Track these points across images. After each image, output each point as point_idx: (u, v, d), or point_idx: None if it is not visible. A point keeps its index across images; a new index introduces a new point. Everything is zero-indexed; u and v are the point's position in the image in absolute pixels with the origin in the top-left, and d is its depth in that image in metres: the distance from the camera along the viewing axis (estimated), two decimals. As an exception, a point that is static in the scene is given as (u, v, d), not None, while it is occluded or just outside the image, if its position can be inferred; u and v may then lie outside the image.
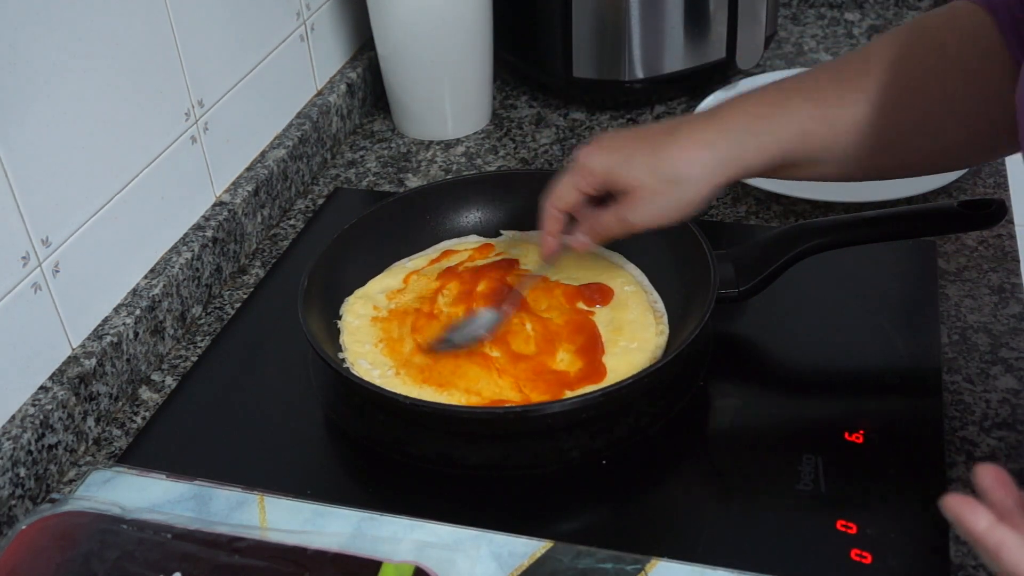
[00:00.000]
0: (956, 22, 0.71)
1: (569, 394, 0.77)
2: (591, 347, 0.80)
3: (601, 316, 0.84)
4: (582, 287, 0.86)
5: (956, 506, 0.50)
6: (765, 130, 0.72)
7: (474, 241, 0.94)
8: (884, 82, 0.71)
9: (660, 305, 0.86)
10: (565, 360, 0.80)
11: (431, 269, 0.90)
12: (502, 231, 0.95)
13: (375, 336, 0.84)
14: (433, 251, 0.93)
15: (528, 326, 0.82)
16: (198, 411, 0.83)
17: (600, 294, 0.86)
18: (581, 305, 0.85)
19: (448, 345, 0.80)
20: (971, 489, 0.71)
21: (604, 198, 0.77)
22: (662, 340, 0.82)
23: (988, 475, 0.51)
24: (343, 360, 0.82)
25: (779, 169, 0.75)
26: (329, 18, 1.18)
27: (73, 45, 0.78)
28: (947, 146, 0.73)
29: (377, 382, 0.78)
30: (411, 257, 0.93)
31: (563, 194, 0.77)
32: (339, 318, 0.86)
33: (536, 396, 0.77)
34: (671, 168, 0.73)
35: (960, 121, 0.71)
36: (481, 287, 0.85)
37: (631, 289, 0.87)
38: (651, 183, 0.73)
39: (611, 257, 0.91)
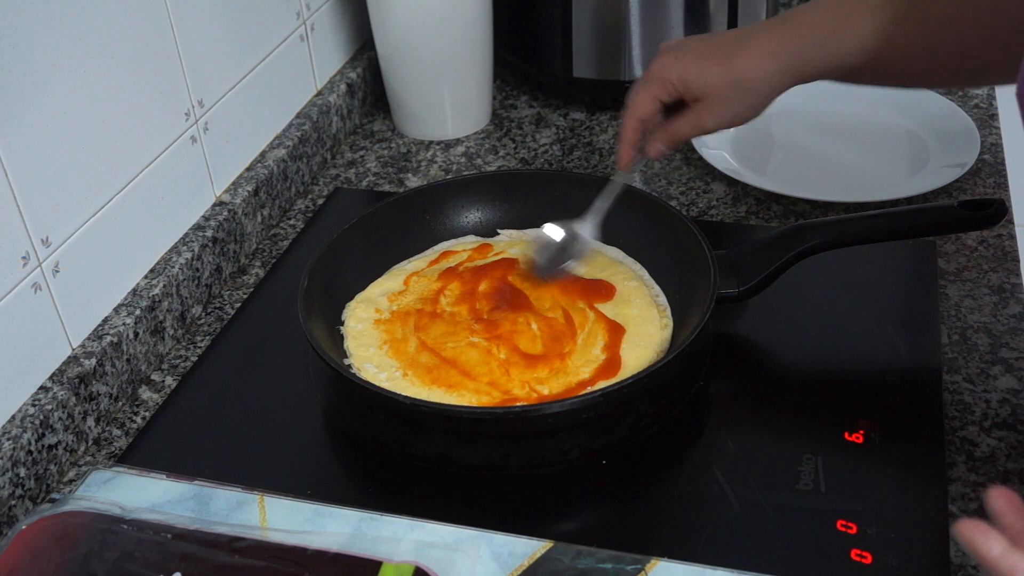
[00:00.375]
0: None
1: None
2: (616, 339, 0.81)
3: (605, 312, 0.84)
4: (583, 284, 0.86)
5: (969, 531, 0.50)
6: (828, 44, 0.76)
7: (472, 241, 0.94)
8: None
9: (663, 299, 0.86)
10: (597, 352, 0.80)
11: (431, 270, 0.90)
12: (499, 230, 0.95)
13: (379, 339, 0.83)
14: (432, 252, 0.93)
15: (534, 326, 0.82)
16: (198, 411, 0.83)
17: (602, 290, 0.86)
18: (581, 305, 0.85)
19: (543, 272, 0.86)
20: (970, 490, 0.71)
21: (674, 106, 0.82)
22: (667, 333, 0.83)
23: (1000, 499, 0.52)
24: (349, 366, 0.81)
25: (844, 77, 0.78)
26: (329, 18, 1.18)
27: (73, 45, 0.78)
28: (996, 53, 0.74)
29: (386, 385, 0.78)
30: (410, 259, 0.93)
31: (643, 103, 0.82)
32: (342, 324, 0.86)
33: (549, 391, 0.77)
34: (741, 76, 0.78)
35: (1008, 23, 0.72)
36: (483, 287, 0.85)
37: (633, 284, 0.87)
38: (723, 91, 0.79)
39: (610, 252, 0.91)
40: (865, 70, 0.77)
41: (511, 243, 0.93)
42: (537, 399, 0.77)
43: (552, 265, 0.86)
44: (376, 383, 0.78)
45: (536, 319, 0.82)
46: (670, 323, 0.84)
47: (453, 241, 0.95)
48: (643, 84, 0.82)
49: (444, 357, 0.80)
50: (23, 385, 0.76)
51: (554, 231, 0.87)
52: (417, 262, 0.92)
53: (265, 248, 1.03)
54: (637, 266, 0.90)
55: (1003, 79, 0.75)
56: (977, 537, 0.50)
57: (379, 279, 0.90)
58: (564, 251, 0.86)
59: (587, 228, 0.86)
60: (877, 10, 0.75)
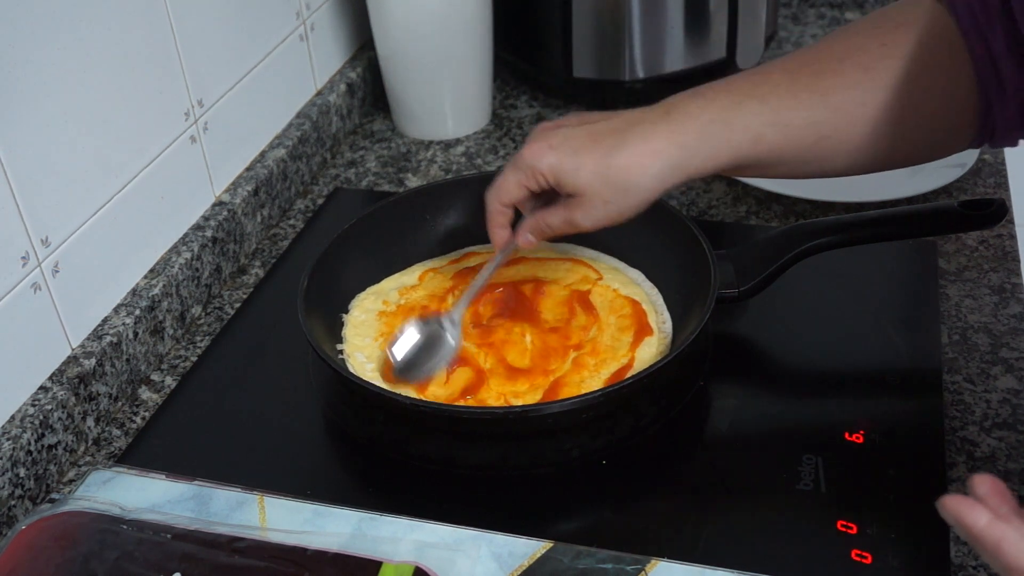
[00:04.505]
0: (914, 14, 0.69)
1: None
2: (640, 334, 0.81)
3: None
4: (572, 295, 0.86)
5: (954, 505, 0.51)
6: (717, 136, 0.71)
7: None
8: (840, 82, 0.69)
9: (660, 300, 0.86)
10: (622, 346, 0.81)
11: (449, 268, 0.90)
12: None
13: (377, 331, 0.84)
14: (456, 252, 0.93)
15: (528, 339, 0.82)
16: (198, 411, 0.83)
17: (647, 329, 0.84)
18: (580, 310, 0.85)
19: (405, 375, 0.78)
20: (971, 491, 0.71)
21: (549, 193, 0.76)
22: (667, 328, 0.83)
23: (984, 484, 0.52)
24: (341, 352, 0.82)
25: (732, 171, 0.74)
26: (329, 18, 1.18)
27: (73, 45, 0.78)
28: (905, 142, 0.71)
29: (369, 375, 0.79)
30: (434, 258, 0.93)
31: (508, 189, 0.76)
32: (346, 311, 0.86)
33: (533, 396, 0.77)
34: (621, 177, 0.72)
35: (917, 116, 0.69)
36: (493, 293, 0.86)
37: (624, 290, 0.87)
38: (599, 190, 0.72)
39: (605, 260, 0.91)
40: (759, 161, 0.72)
41: (535, 250, 0.93)
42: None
43: (413, 367, 0.78)
44: (361, 373, 0.79)
45: (533, 332, 0.82)
46: (668, 319, 0.84)
47: (479, 246, 0.94)
48: (511, 169, 0.76)
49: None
50: (23, 385, 0.76)
51: (412, 331, 0.79)
52: (438, 260, 0.92)
53: (265, 248, 1.03)
54: (621, 265, 0.90)
55: (915, 160, 0.72)
56: (963, 510, 0.50)
57: (396, 274, 0.91)
58: (428, 351, 0.79)
59: (453, 328, 0.79)
60: (768, 96, 0.70)
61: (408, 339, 0.79)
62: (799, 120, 0.70)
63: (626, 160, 0.71)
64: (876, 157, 0.72)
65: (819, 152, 0.71)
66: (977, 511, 0.50)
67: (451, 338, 0.79)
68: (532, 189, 0.75)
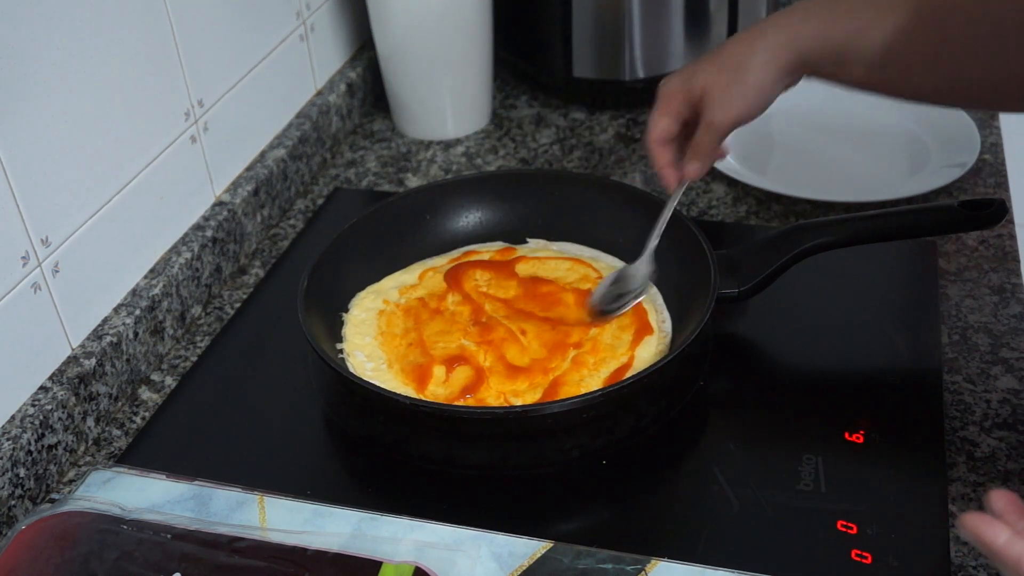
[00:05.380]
0: None
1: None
2: (640, 332, 0.81)
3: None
4: (574, 293, 0.86)
5: (973, 523, 0.51)
6: (820, 18, 0.74)
7: (498, 246, 0.94)
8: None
9: (660, 300, 0.86)
10: (622, 344, 0.81)
11: (449, 267, 0.90)
12: (528, 239, 0.95)
13: (376, 329, 0.84)
14: (456, 252, 0.94)
15: (527, 337, 0.82)
16: (198, 411, 0.83)
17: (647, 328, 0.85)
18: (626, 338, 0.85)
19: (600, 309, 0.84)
20: (970, 490, 0.71)
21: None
22: (667, 327, 0.83)
23: (1001, 499, 0.52)
24: (341, 351, 0.82)
25: (838, 65, 0.75)
26: (329, 18, 1.18)
27: (73, 45, 0.78)
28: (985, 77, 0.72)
29: (370, 374, 0.79)
30: (434, 257, 0.93)
31: (657, 125, 0.81)
32: (346, 311, 0.86)
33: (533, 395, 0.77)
34: (732, 58, 0.77)
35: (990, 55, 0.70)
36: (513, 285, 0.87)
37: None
38: (718, 77, 0.77)
39: (605, 259, 0.91)
40: (875, 67, 0.73)
41: (535, 250, 0.93)
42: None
43: (608, 302, 0.84)
44: (361, 372, 0.79)
45: (532, 330, 0.82)
46: (668, 319, 0.84)
47: (479, 244, 0.94)
48: (654, 109, 0.81)
49: (431, 355, 0.80)
50: (23, 385, 0.76)
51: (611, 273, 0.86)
52: (438, 259, 0.92)
53: (265, 248, 1.03)
54: (620, 263, 0.90)
55: (1016, 107, 0.72)
56: (982, 527, 0.51)
57: (396, 272, 0.91)
58: (621, 290, 0.85)
59: (644, 266, 0.84)
60: (897, 7, 0.72)
61: (604, 283, 0.85)
62: (894, 21, 0.72)
63: (736, 47, 0.78)
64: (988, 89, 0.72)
65: (913, 62, 0.73)
66: (996, 528, 0.50)
67: (642, 273, 0.84)
68: (674, 114, 0.80)
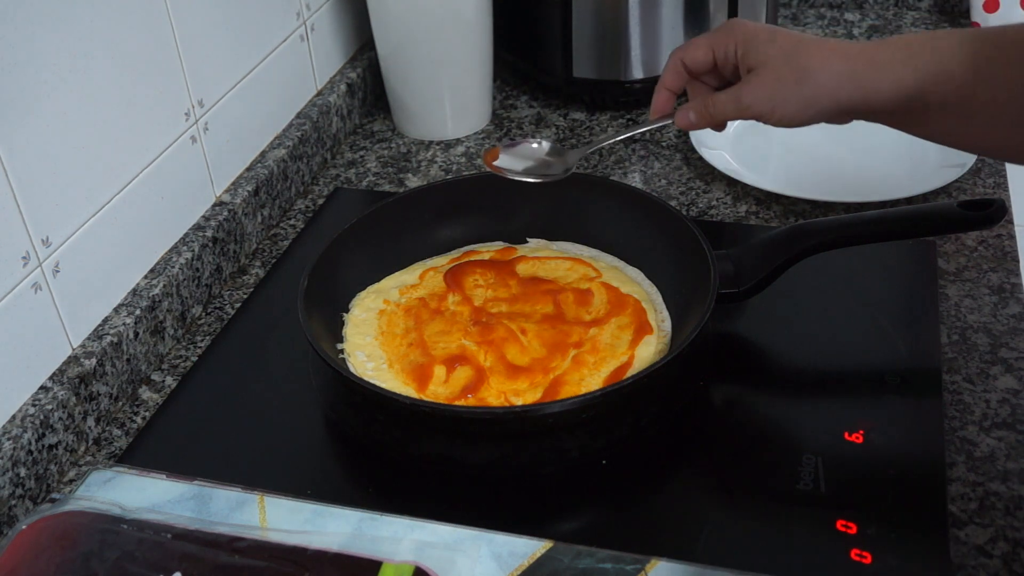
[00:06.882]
0: None
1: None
2: (640, 332, 0.81)
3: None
4: (574, 293, 0.86)
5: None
6: (909, 59, 0.69)
7: (498, 245, 0.94)
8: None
9: (659, 299, 0.86)
10: (622, 344, 0.81)
11: (450, 267, 0.90)
12: (528, 239, 0.95)
13: (377, 329, 0.84)
14: (457, 251, 0.94)
15: (526, 336, 0.82)
16: (198, 411, 0.83)
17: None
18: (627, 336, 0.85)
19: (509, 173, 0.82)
20: (969, 490, 0.71)
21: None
22: (667, 327, 0.83)
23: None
24: (341, 351, 0.82)
25: (909, 114, 0.71)
26: (329, 18, 1.18)
27: (73, 46, 0.78)
28: None
29: (370, 374, 0.79)
30: (434, 257, 0.93)
31: (696, 50, 0.76)
32: (347, 311, 0.86)
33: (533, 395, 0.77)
34: (804, 61, 0.71)
35: None
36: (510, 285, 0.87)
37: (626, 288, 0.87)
38: (780, 67, 0.72)
39: (605, 259, 0.91)
40: (942, 101, 0.68)
41: (535, 250, 0.93)
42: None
43: (521, 168, 0.82)
44: (362, 371, 0.79)
45: (533, 329, 0.82)
46: (667, 318, 0.84)
47: (479, 244, 0.95)
48: (706, 34, 0.76)
49: (432, 355, 0.80)
50: (23, 385, 0.76)
51: (539, 145, 0.84)
52: (439, 259, 0.92)
53: (265, 248, 1.03)
54: (623, 266, 0.90)
55: None
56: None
57: (397, 272, 0.91)
58: (539, 163, 0.82)
59: (575, 154, 0.80)
60: (965, 41, 0.67)
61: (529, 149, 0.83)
62: (991, 70, 0.66)
63: (814, 48, 0.72)
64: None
65: (1004, 121, 0.67)
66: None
67: (563, 168, 0.81)
68: (718, 58, 0.75)
